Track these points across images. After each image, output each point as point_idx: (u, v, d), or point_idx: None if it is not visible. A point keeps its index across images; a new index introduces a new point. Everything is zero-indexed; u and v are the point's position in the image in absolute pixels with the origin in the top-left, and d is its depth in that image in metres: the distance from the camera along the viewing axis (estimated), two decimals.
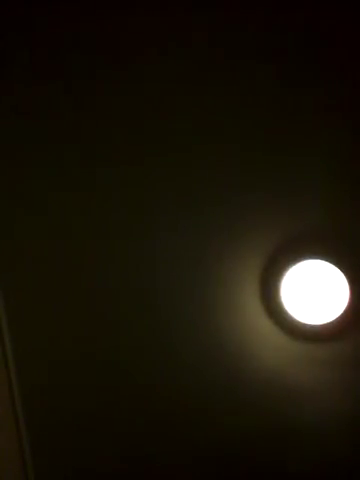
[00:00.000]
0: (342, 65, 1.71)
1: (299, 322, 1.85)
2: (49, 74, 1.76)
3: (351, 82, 1.72)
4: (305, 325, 1.85)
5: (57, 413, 1.94)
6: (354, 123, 1.74)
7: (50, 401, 1.94)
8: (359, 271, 1.82)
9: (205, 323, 1.87)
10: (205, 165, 1.78)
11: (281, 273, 1.83)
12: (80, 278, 1.86)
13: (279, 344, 1.87)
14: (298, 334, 1.86)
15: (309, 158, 1.76)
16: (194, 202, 1.81)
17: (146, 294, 1.86)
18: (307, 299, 1.84)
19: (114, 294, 1.87)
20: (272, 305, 1.85)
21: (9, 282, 1.87)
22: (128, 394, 1.93)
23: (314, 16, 1.70)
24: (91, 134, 1.79)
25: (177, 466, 1.98)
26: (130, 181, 1.81)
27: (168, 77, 1.74)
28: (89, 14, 1.74)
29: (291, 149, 1.76)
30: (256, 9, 1.70)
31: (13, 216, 1.84)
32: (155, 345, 1.89)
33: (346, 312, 1.83)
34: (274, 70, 1.72)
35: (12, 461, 1.92)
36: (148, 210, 1.82)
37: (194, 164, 1.79)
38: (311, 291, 1.84)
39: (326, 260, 1.82)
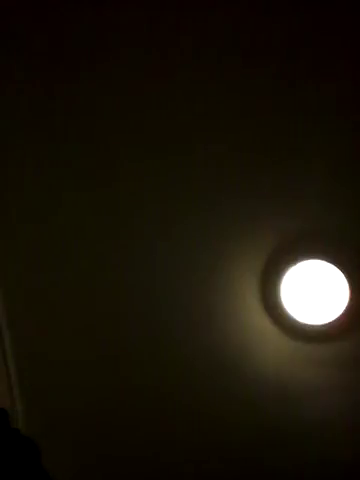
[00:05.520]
0: (342, 65, 1.71)
1: (299, 322, 1.85)
2: (48, 74, 1.77)
3: (351, 82, 1.72)
4: (305, 325, 1.85)
5: (57, 413, 1.95)
6: (353, 123, 1.74)
7: (50, 401, 1.94)
8: (359, 271, 1.82)
9: (205, 323, 1.87)
10: (205, 166, 1.78)
11: (281, 273, 1.83)
12: (80, 279, 1.86)
13: (279, 344, 1.87)
14: (298, 334, 1.86)
15: (308, 159, 1.76)
16: (194, 203, 1.81)
17: (147, 295, 1.87)
18: (307, 299, 1.84)
19: (114, 295, 1.88)
20: (272, 305, 1.85)
21: (9, 282, 1.88)
22: (128, 394, 1.93)
23: (315, 16, 1.69)
24: (90, 137, 1.79)
25: (177, 466, 1.98)
26: (129, 183, 1.81)
27: (167, 79, 1.74)
28: (89, 11, 1.74)
29: (290, 150, 1.76)
30: (256, 9, 1.70)
31: (13, 216, 1.85)
32: (155, 346, 1.89)
33: (346, 312, 1.83)
34: (273, 71, 1.72)
35: None
36: (149, 212, 1.82)
37: (193, 166, 1.79)
38: (311, 291, 1.84)
39: (326, 260, 1.82)
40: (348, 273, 1.82)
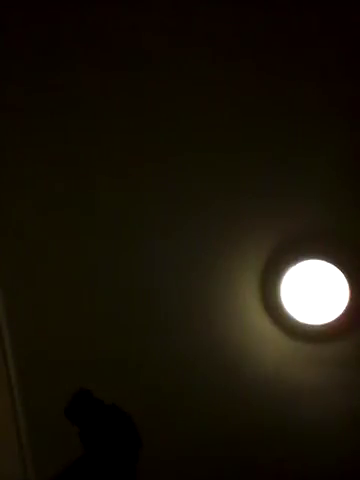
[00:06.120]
0: (342, 65, 1.71)
1: (299, 322, 1.85)
2: (47, 74, 1.77)
3: (353, 83, 1.72)
4: (305, 325, 1.85)
5: (57, 412, 1.94)
6: (353, 123, 1.74)
7: (50, 401, 1.93)
8: (359, 271, 1.82)
9: (205, 323, 1.87)
10: (205, 166, 1.79)
11: (281, 273, 1.83)
12: (81, 278, 1.86)
13: (279, 344, 1.87)
14: (298, 334, 1.86)
15: (309, 159, 1.76)
16: (194, 203, 1.81)
17: (147, 295, 1.86)
18: (307, 299, 1.84)
19: (114, 294, 1.88)
20: (272, 305, 1.85)
21: (9, 282, 1.88)
22: (128, 394, 1.93)
23: (316, 16, 1.70)
24: (89, 137, 1.79)
25: (177, 465, 1.98)
26: (131, 183, 1.81)
27: (167, 79, 1.74)
28: (89, 12, 1.74)
29: (291, 150, 1.76)
30: (258, 9, 1.70)
31: (13, 216, 1.84)
32: (155, 345, 1.89)
33: (346, 312, 1.83)
34: (274, 71, 1.72)
35: (12, 460, 1.92)
36: (149, 212, 1.82)
37: (195, 166, 1.79)
38: (311, 291, 1.84)
39: (326, 260, 1.82)
40: (348, 273, 1.82)
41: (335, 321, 1.83)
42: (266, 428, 1.93)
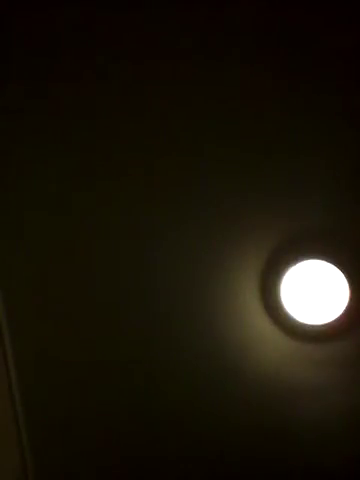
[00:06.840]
0: (345, 67, 1.71)
1: (299, 322, 1.85)
2: (48, 74, 1.77)
3: (354, 84, 1.72)
4: (305, 325, 1.85)
5: (57, 412, 1.94)
6: (354, 123, 1.74)
7: (50, 402, 1.94)
8: (359, 271, 1.82)
9: (204, 323, 1.87)
10: (204, 165, 1.79)
11: (281, 273, 1.83)
12: (80, 278, 1.86)
13: (279, 344, 1.87)
14: (298, 334, 1.86)
15: (309, 158, 1.76)
16: (194, 202, 1.81)
17: (146, 294, 1.86)
18: (307, 299, 1.84)
19: (114, 293, 1.88)
20: (272, 305, 1.85)
21: (9, 282, 1.88)
22: (128, 393, 1.93)
23: (316, 17, 1.70)
24: (91, 137, 1.79)
25: (176, 465, 1.98)
26: (130, 181, 1.81)
27: (166, 78, 1.74)
28: (89, 13, 1.74)
29: (291, 149, 1.76)
30: (258, 8, 1.70)
31: (14, 216, 1.84)
32: (154, 345, 1.89)
33: (346, 312, 1.83)
34: (275, 70, 1.72)
35: (12, 460, 1.92)
36: (148, 211, 1.82)
37: (193, 165, 1.79)
38: (311, 291, 1.84)
39: (326, 260, 1.82)
40: (348, 273, 1.82)
41: (335, 321, 1.83)
42: (266, 428, 1.93)
